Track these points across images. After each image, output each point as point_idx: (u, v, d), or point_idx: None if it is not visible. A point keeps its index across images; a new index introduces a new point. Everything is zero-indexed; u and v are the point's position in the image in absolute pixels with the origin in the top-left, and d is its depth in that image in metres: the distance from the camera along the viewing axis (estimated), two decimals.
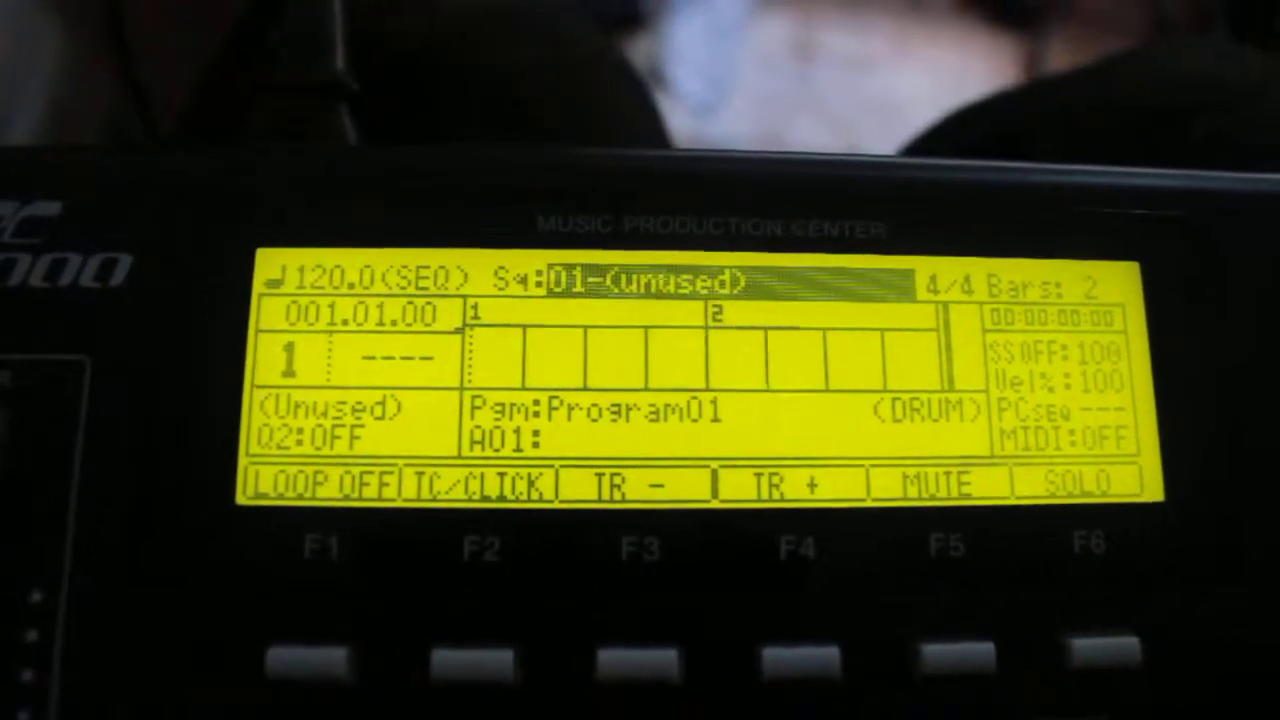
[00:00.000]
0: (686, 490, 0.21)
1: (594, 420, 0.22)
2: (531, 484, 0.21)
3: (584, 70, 0.40)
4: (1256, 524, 0.22)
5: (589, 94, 0.39)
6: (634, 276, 0.22)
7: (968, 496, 0.22)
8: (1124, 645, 0.21)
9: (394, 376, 0.22)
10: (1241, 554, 0.22)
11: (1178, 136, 0.34)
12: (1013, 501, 0.22)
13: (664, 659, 0.20)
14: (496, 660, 0.20)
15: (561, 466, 0.21)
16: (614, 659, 0.20)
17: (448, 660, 0.20)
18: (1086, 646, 0.21)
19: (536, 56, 0.38)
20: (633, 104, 0.41)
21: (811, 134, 1.25)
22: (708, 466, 0.22)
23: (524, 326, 0.22)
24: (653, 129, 0.41)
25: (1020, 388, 0.23)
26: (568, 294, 0.22)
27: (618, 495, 0.21)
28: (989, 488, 0.22)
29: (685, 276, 0.22)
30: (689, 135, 1.11)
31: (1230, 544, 0.22)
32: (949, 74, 1.33)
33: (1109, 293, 0.23)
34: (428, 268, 0.22)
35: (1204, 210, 0.24)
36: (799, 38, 1.33)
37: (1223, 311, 0.23)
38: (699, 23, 1.20)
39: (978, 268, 0.23)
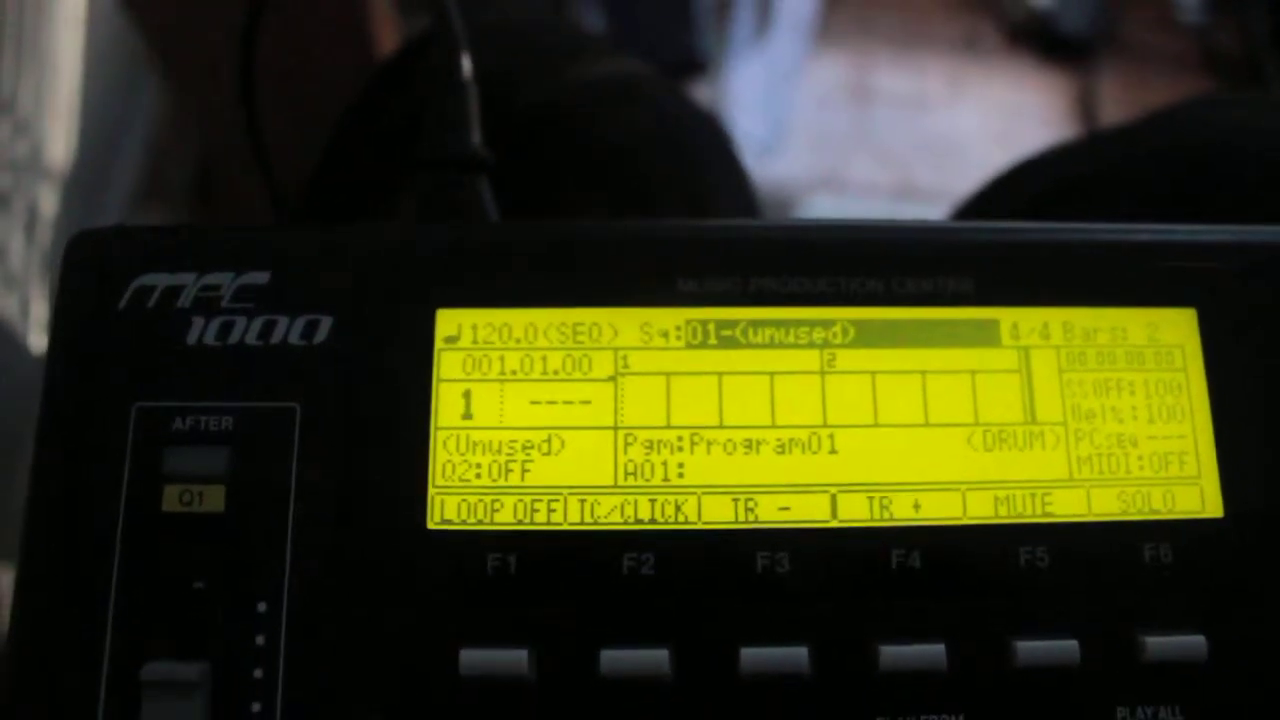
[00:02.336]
0: (809, 512, 0.25)
1: (729, 453, 0.25)
2: (678, 508, 0.25)
3: (689, 142, 0.44)
4: None
5: (692, 161, 0.43)
6: (759, 329, 0.26)
7: (1050, 515, 0.25)
8: (1191, 643, 0.25)
9: (557, 418, 0.26)
10: None
11: (1235, 187, 0.37)
12: (1090, 518, 0.25)
13: (797, 656, 0.24)
14: (654, 659, 0.24)
15: (703, 493, 0.25)
16: (754, 656, 0.24)
17: (613, 659, 0.24)
18: (1157, 644, 0.25)
19: (648, 129, 0.43)
20: (728, 170, 0.45)
21: (868, 173, 1.29)
22: (827, 491, 0.25)
23: (667, 374, 0.26)
24: (746, 193, 0.45)
25: (1094, 419, 0.26)
26: (704, 345, 0.26)
27: (751, 517, 0.25)
28: (1069, 507, 0.26)
29: (803, 329, 0.26)
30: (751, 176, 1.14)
31: None
32: (1003, 111, 1.36)
33: (1169, 336, 0.27)
34: (583, 324, 0.26)
35: (1253, 261, 0.27)
36: (855, 79, 1.37)
37: (1273, 350, 0.27)
38: (757, 67, 1.24)
39: (1054, 316, 0.27)
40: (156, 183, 1.01)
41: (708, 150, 0.45)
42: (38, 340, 0.86)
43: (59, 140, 0.92)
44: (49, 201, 0.90)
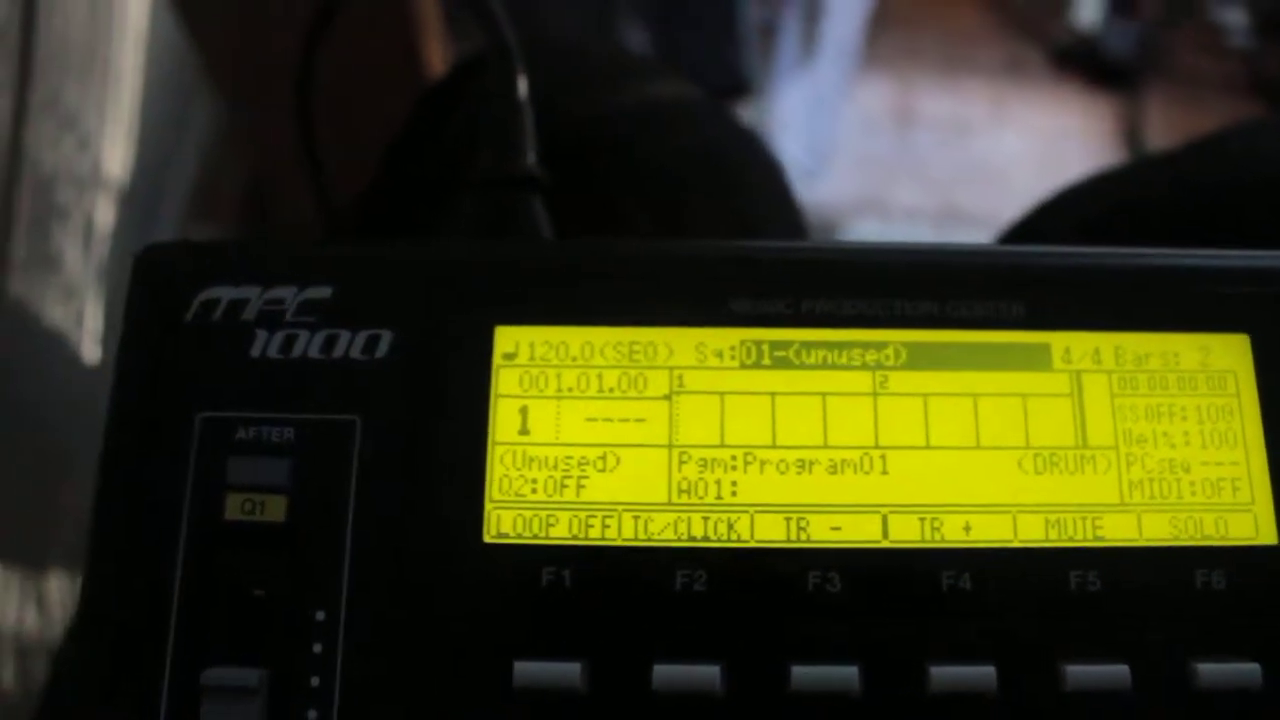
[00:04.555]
0: (861, 532, 0.25)
1: (782, 473, 0.26)
2: (731, 526, 0.25)
3: (736, 165, 0.44)
4: None
5: (739, 184, 0.43)
6: (812, 351, 0.26)
7: (1101, 539, 0.26)
8: (1245, 670, 0.25)
9: (612, 435, 0.26)
10: None
11: None
12: (1141, 543, 0.26)
13: (847, 675, 0.24)
14: (705, 674, 0.24)
15: (756, 512, 0.25)
16: (804, 675, 0.24)
17: (665, 674, 0.24)
18: (1211, 671, 0.24)
19: (696, 151, 0.43)
20: (776, 194, 0.45)
21: (911, 197, 1.29)
22: (879, 512, 0.25)
23: (721, 394, 0.26)
24: (794, 217, 0.46)
25: (1145, 444, 0.26)
26: (757, 366, 0.26)
27: (803, 536, 0.25)
28: (1120, 531, 0.26)
29: (856, 350, 0.26)
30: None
31: None
32: (1046, 136, 1.35)
33: (1222, 361, 0.27)
34: (639, 343, 0.27)
35: None
36: (898, 103, 1.37)
37: None
38: (801, 91, 1.24)
39: (1106, 341, 0.27)
40: (210, 199, 1.03)
41: (755, 173, 0.45)
42: (91, 351, 0.87)
43: (117, 156, 0.94)
44: (106, 215, 0.92)
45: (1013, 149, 1.33)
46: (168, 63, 0.89)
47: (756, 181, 0.45)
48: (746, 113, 1.04)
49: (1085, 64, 1.43)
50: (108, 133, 0.89)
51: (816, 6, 1.27)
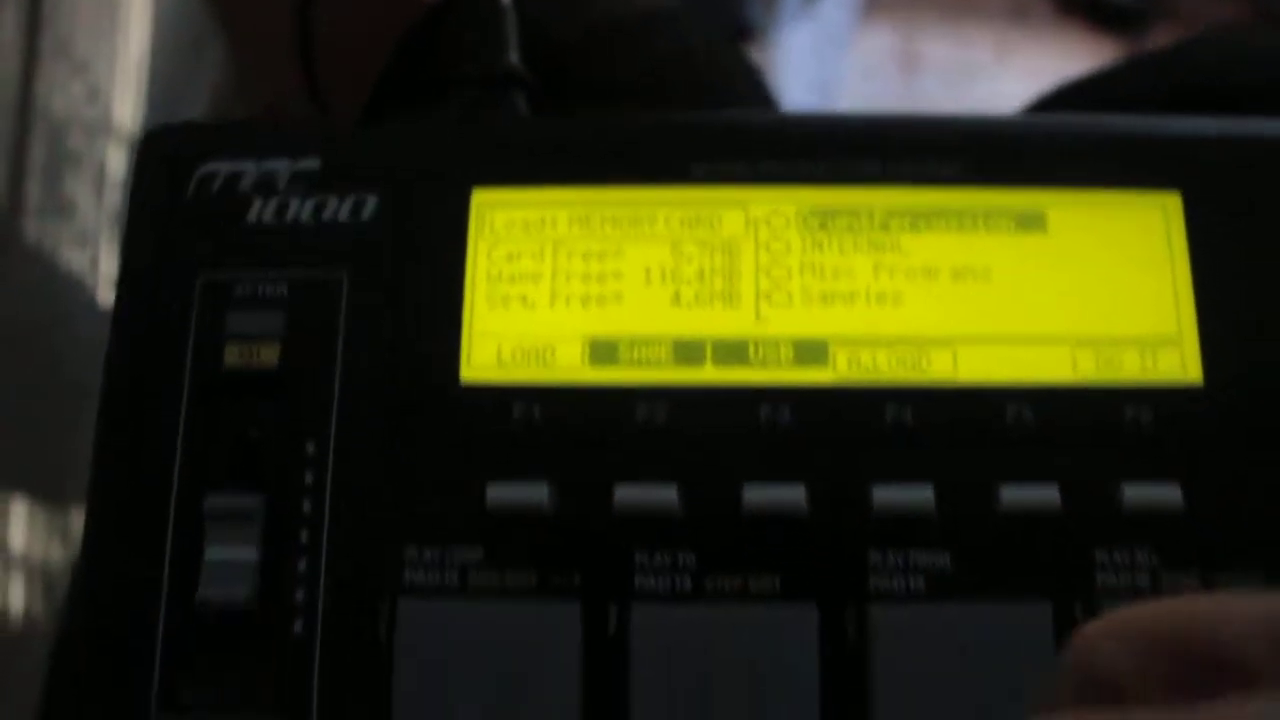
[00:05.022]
0: (809, 369, 0.27)
1: (735, 307, 0.28)
2: (688, 361, 0.27)
3: (713, 67, 0.46)
4: None
5: (714, 87, 0.45)
6: (766, 204, 0.28)
7: (1036, 377, 0.27)
8: (1167, 493, 0.26)
9: (578, 285, 0.28)
10: (1270, 431, 0.27)
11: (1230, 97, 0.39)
12: (1074, 382, 0.27)
13: (795, 495, 0.26)
14: (663, 495, 0.26)
15: (712, 346, 0.27)
16: (755, 495, 0.26)
17: (626, 495, 0.26)
18: (1135, 492, 0.26)
19: (673, 58, 0.45)
20: (752, 97, 0.47)
21: None
22: (826, 350, 0.27)
23: (674, 242, 0.28)
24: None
25: (1082, 293, 0.28)
26: (712, 220, 0.28)
27: (757, 372, 0.27)
28: (1055, 370, 0.27)
29: (805, 201, 0.28)
30: None
31: (1260, 422, 0.27)
32: (1050, 80, 1.36)
33: (1156, 216, 0.29)
34: (608, 200, 0.29)
35: (1237, 150, 0.29)
36: (902, 47, 1.38)
37: (1253, 232, 0.28)
38: (806, 35, 1.25)
39: (1045, 198, 0.29)
40: None
41: (736, 79, 0.47)
42: (106, 295, 0.90)
43: (127, 103, 0.96)
44: (117, 162, 0.94)
45: (1017, 93, 1.33)
46: (177, 9, 0.91)
47: (736, 87, 0.47)
48: (750, 57, 1.06)
49: (1089, 7, 1.44)
50: (118, 80, 0.91)
51: None
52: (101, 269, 0.92)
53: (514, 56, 0.35)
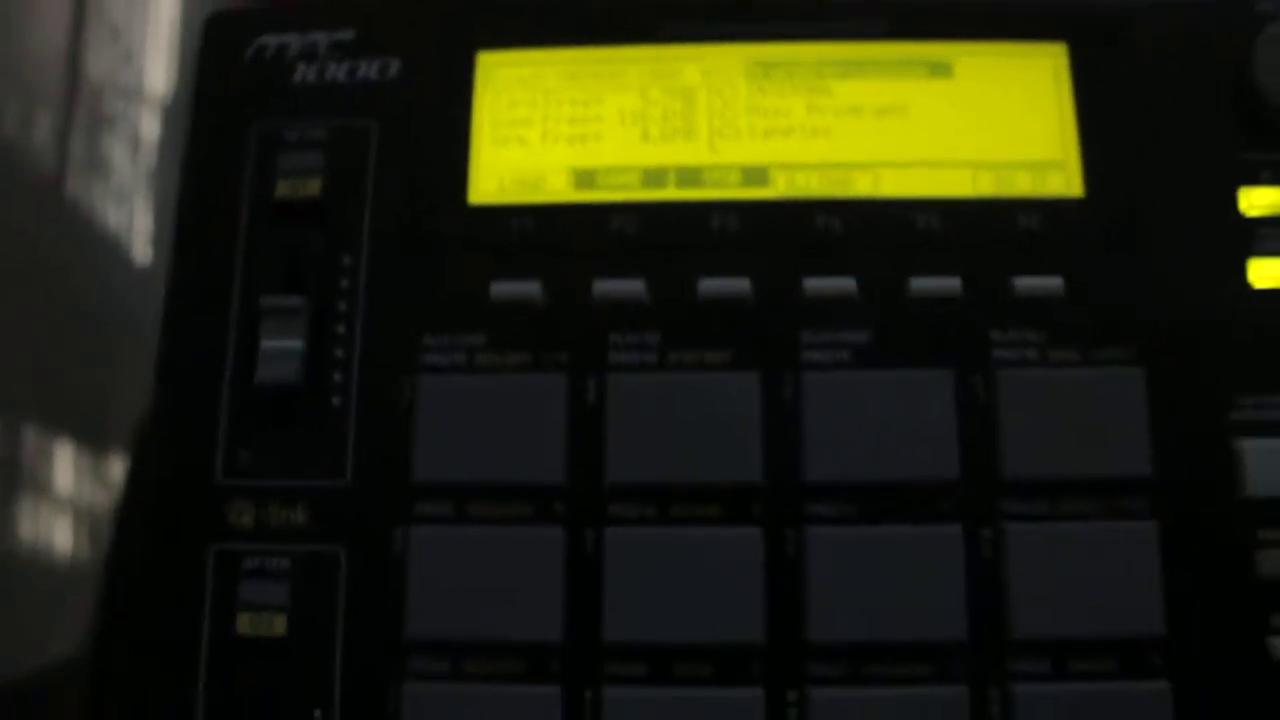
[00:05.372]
0: (755, 187, 0.33)
1: (689, 140, 0.34)
2: (657, 186, 0.33)
3: None
4: (1152, 216, 0.33)
5: None
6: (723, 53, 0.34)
7: (941, 192, 0.33)
8: (1052, 283, 0.32)
9: (568, 130, 0.34)
10: (1139, 235, 0.33)
11: None
12: (975, 194, 0.33)
13: (740, 285, 0.32)
14: (633, 286, 0.32)
15: (675, 172, 0.33)
16: (708, 285, 0.32)
17: (602, 287, 0.32)
18: (1025, 284, 0.32)
19: None
20: None
21: None
22: (767, 171, 0.33)
23: (644, 90, 0.34)
24: None
25: (981, 123, 0.34)
26: (675, 73, 0.34)
27: (709, 190, 0.33)
28: (959, 187, 0.33)
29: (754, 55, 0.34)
30: None
31: (1129, 226, 0.33)
32: None
33: (1047, 63, 0.34)
34: (597, 58, 0.35)
35: (1107, 6, 0.35)
36: None
37: (1127, 75, 0.34)
38: None
39: (954, 48, 0.34)
40: None
41: None
42: (143, 252, 0.96)
43: (159, 68, 1.03)
44: (150, 126, 1.00)
45: None
46: None
47: None
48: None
49: None
50: (150, 46, 0.98)
51: None
52: (138, 226, 0.98)
53: None
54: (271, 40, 0.36)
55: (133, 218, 0.97)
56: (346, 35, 0.36)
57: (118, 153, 0.95)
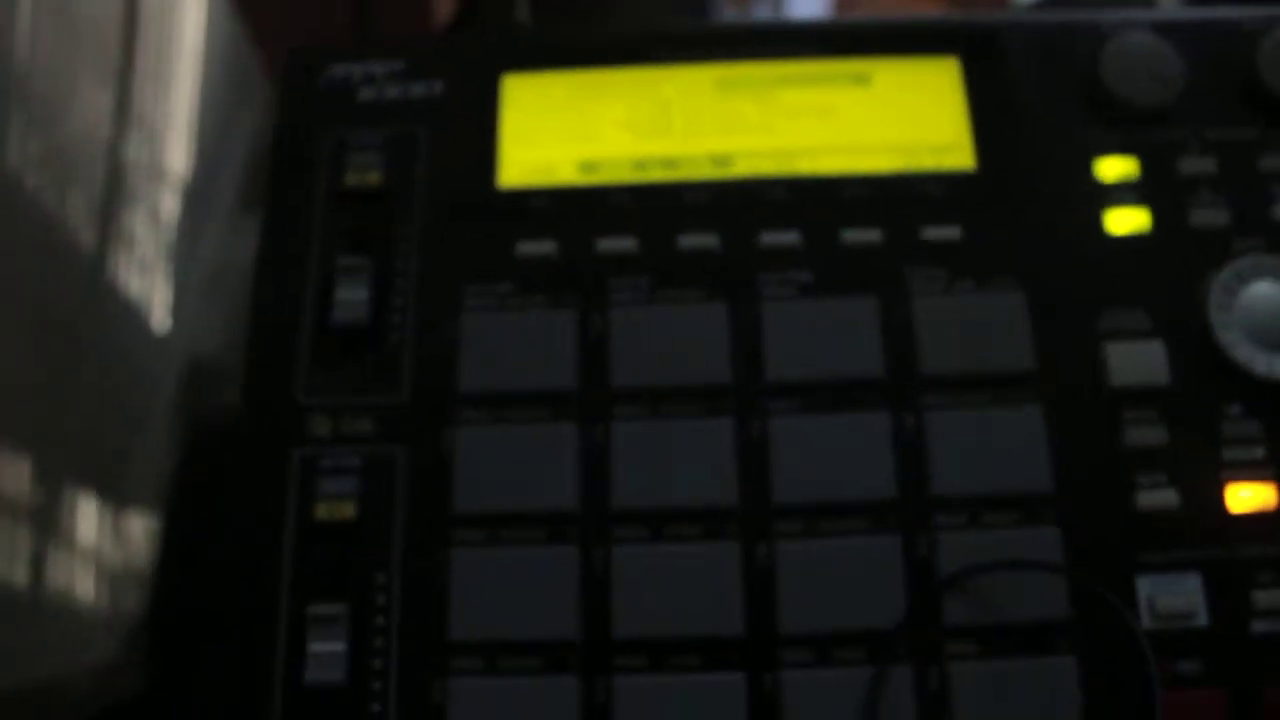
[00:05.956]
0: (714, 169, 0.43)
1: (691, 144, 0.43)
2: (643, 172, 0.43)
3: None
4: (1029, 182, 0.43)
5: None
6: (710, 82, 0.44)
7: (866, 169, 0.43)
8: (952, 232, 0.42)
9: (583, 134, 0.44)
10: (1019, 196, 0.42)
11: None
12: (890, 170, 0.43)
13: (710, 241, 0.41)
14: (626, 244, 0.41)
15: (661, 167, 0.43)
16: (686, 241, 0.42)
17: (604, 245, 0.42)
18: (931, 232, 0.42)
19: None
20: None
21: None
22: (732, 159, 0.43)
23: (636, 102, 0.44)
24: None
25: (889, 120, 0.44)
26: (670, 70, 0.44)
27: (683, 174, 0.43)
28: (877, 166, 0.43)
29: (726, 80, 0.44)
30: None
31: (1009, 190, 0.42)
32: None
33: (945, 72, 0.44)
34: (592, 80, 0.44)
35: (989, 27, 0.45)
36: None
37: (1006, 81, 0.44)
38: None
39: (871, 64, 0.44)
40: (259, 187, 1.17)
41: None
42: (162, 321, 1.03)
43: (177, 150, 1.11)
44: (169, 203, 1.08)
45: None
46: (223, 62, 1.07)
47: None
48: (763, 9, 1.12)
49: None
50: (169, 130, 1.06)
51: None
52: (156, 297, 1.05)
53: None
54: (339, 69, 0.46)
55: (153, 289, 1.04)
56: (399, 65, 0.45)
57: (140, 228, 1.03)
